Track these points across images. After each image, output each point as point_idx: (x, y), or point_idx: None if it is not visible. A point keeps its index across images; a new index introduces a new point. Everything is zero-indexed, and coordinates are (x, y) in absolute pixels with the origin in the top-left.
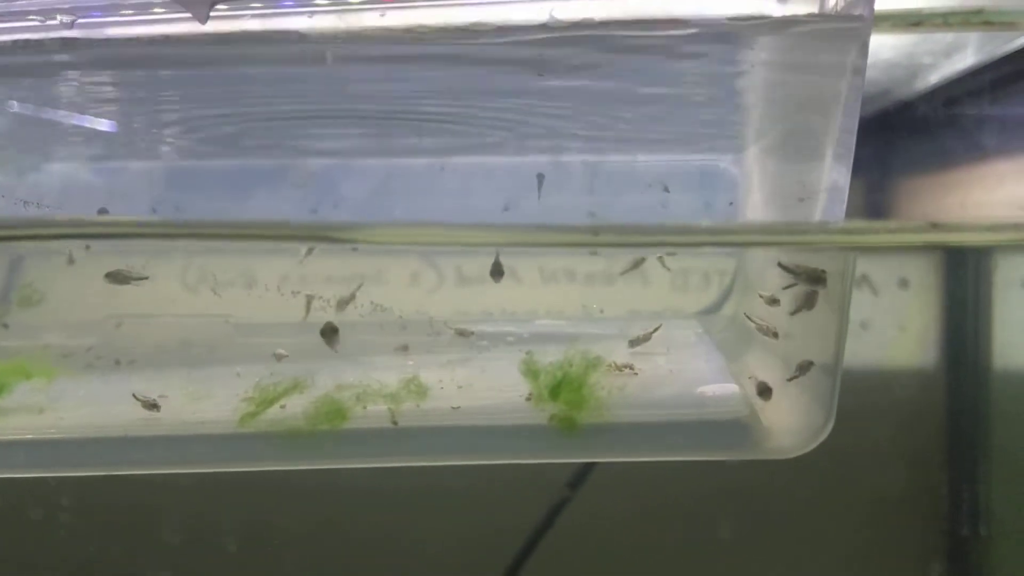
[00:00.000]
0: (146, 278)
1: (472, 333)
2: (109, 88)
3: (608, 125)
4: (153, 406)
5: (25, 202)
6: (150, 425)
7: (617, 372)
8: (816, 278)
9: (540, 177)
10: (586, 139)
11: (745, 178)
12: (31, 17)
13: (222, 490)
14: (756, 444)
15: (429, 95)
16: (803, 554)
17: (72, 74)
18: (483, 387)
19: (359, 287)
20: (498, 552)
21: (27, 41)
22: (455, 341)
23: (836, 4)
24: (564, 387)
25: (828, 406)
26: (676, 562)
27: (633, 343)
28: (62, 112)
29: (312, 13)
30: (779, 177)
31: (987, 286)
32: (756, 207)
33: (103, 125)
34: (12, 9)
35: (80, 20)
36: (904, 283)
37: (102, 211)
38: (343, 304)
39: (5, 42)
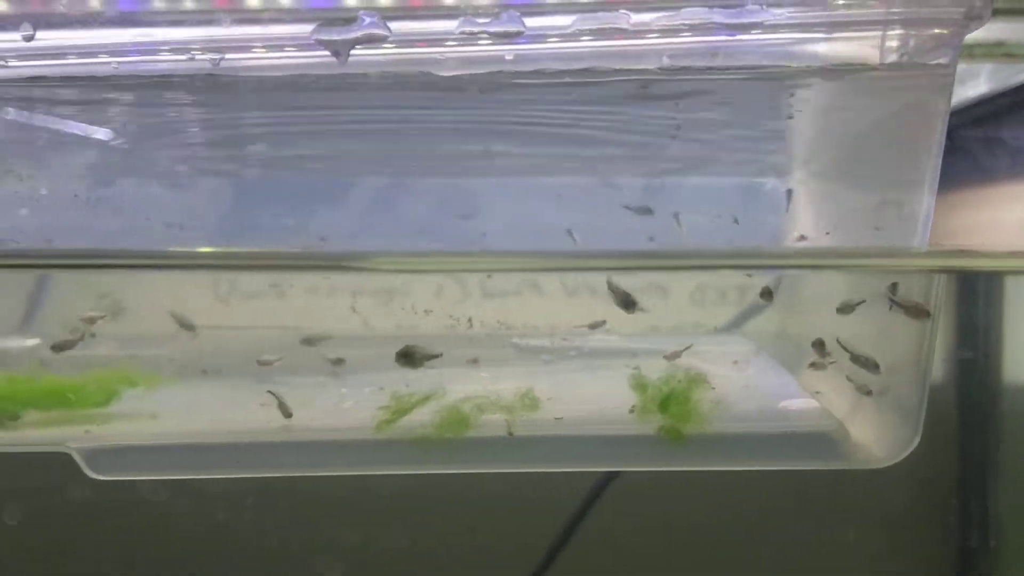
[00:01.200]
0: None
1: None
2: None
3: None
4: (289, 414)
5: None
6: (279, 431)
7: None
8: (920, 311)
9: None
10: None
11: (799, 202)
12: (163, 51)
13: (253, 498)
14: (848, 455)
15: (527, 123)
16: (812, 565)
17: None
18: (581, 399)
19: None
20: (519, 562)
21: (169, 78)
22: (520, 355)
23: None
24: (672, 401)
25: (915, 420)
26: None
27: (668, 358)
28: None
29: (443, 54)
30: (843, 204)
31: (998, 304)
32: (810, 229)
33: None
34: (150, 45)
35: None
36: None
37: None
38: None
39: (143, 73)
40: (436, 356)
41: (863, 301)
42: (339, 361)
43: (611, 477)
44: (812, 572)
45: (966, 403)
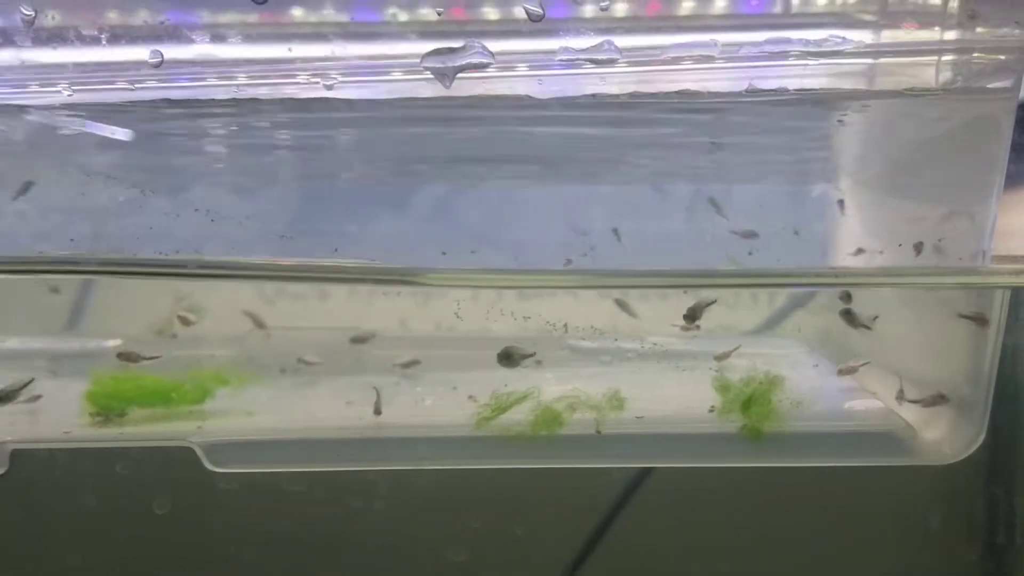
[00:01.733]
0: None
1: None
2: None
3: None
4: (378, 412)
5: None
6: (372, 427)
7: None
8: (983, 320)
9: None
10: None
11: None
12: (298, 75)
13: (295, 495)
14: (916, 452)
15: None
16: (836, 560)
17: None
18: (660, 399)
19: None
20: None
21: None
22: (575, 356)
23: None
24: (754, 401)
25: (980, 420)
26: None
27: (719, 358)
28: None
29: (542, 79)
30: (903, 217)
31: None
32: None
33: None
34: (281, 68)
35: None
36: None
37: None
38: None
39: (275, 98)
40: (530, 355)
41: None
42: (412, 363)
43: (644, 475)
44: (837, 568)
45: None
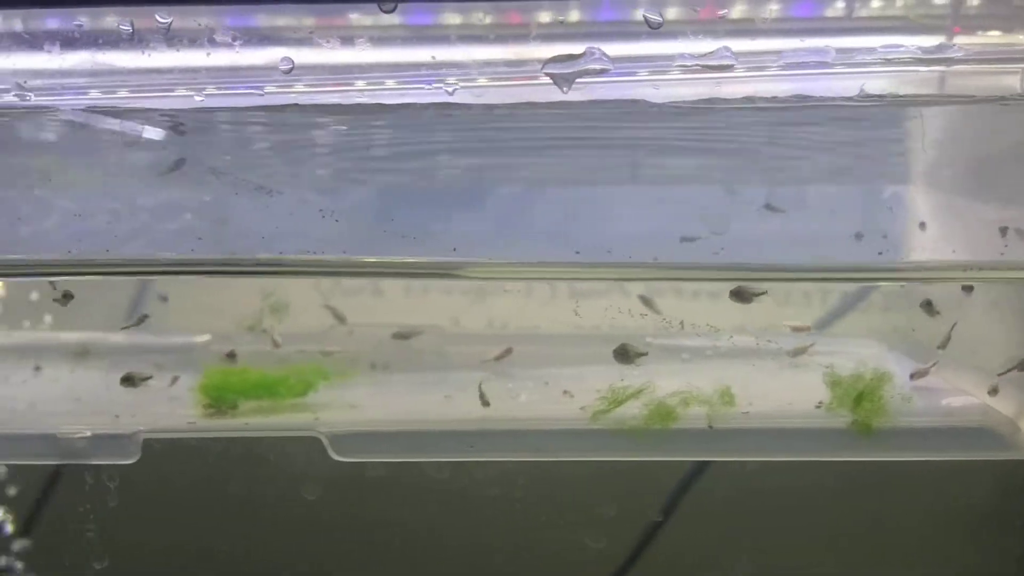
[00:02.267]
0: None
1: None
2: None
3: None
4: (487, 404)
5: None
6: (479, 420)
7: None
8: None
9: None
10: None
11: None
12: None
13: (358, 488)
14: (1018, 446)
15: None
16: (876, 559)
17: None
18: (766, 395)
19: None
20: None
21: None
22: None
23: None
24: (865, 397)
25: None
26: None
27: (793, 355)
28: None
29: (657, 84)
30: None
31: None
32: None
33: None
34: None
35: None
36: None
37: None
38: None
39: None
40: (644, 354)
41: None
42: (505, 354)
43: (699, 470)
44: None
45: None
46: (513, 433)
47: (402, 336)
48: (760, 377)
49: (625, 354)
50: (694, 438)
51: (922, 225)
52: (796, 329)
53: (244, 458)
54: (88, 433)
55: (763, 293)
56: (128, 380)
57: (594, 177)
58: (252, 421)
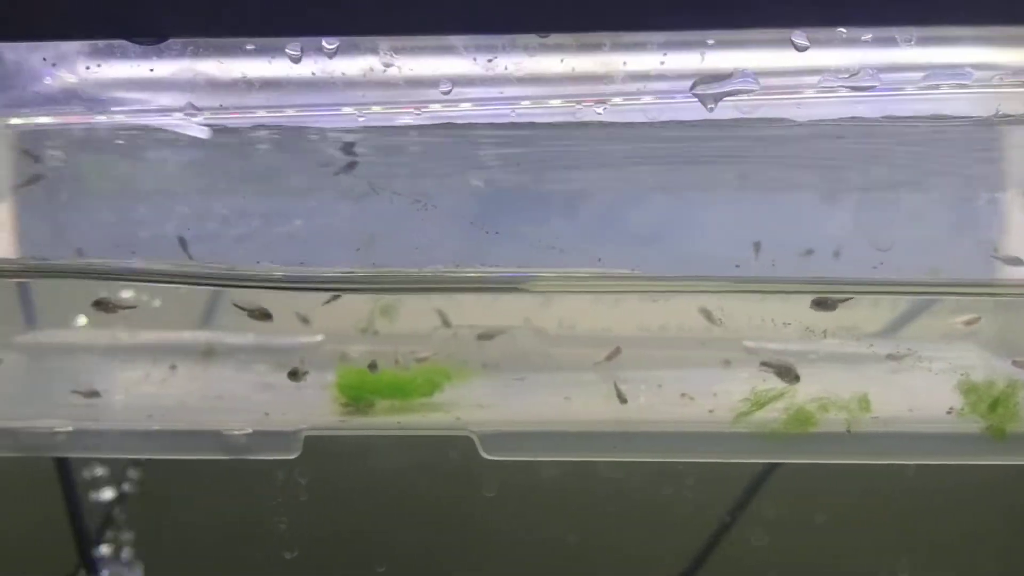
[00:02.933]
0: None
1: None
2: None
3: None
4: (624, 400)
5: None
6: (614, 421)
7: None
8: None
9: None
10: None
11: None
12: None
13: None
14: None
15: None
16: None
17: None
18: (897, 400)
19: None
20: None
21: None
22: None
23: None
24: (1000, 403)
25: None
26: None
27: (892, 358)
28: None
29: (800, 102)
30: None
31: None
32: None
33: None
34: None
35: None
36: None
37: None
38: None
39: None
40: (790, 367)
41: None
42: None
43: (770, 470)
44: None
45: None
46: (649, 435)
47: (507, 337)
48: (879, 382)
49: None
50: (832, 441)
51: None
52: (968, 323)
53: (395, 454)
54: (250, 430)
55: (847, 299)
56: (293, 375)
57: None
58: (404, 420)
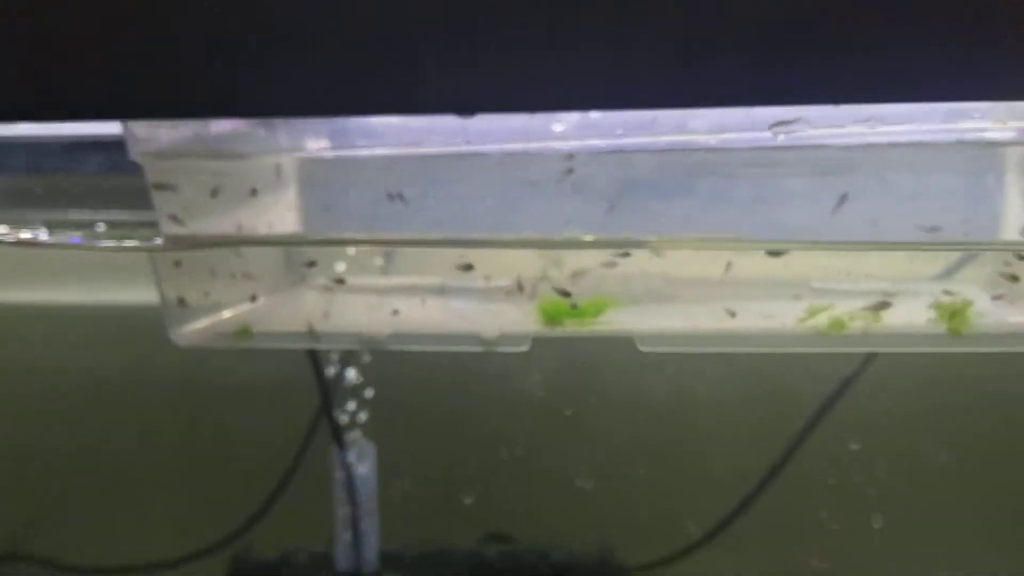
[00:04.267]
0: None
1: None
2: None
3: None
4: (732, 315)
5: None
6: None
7: None
8: None
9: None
10: None
11: None
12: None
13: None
14: None
15: None
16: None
17: None
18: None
19: None
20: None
21: None
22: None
23: None
24: (956, 313)
25: None
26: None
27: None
28: None
29: None
30: None
31: None
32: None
33: None
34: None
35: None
36: None
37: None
38: None
39: None
40: None
41: None
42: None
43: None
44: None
45: None
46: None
47: (644, 279)
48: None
49: None
50: (852, 340)
51: None
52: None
53: (574, 354)
54: (497, 333)
55: None
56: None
57: None
58: (582, 329)
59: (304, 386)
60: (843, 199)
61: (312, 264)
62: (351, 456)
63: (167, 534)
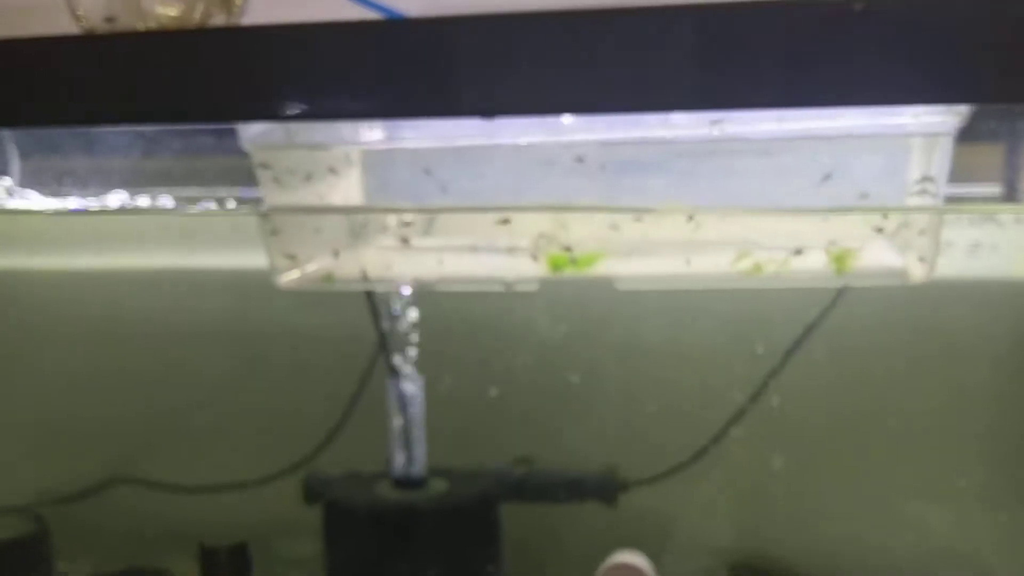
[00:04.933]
0: None
1: None
2: None
3: None
4: (688, 263)
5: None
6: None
7: None
8: None
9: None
10: None
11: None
12: None
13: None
14: None
15: None
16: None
17: None
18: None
19: None
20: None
21: None
22: None
23: None
24: (841, 258)
25: None
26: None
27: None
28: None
29: None
30: None
31: None
32: None
33: None
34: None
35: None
36: None
37: None
38: None
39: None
40: None
41: None
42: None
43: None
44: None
45: None
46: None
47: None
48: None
49: None
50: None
51: None
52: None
53: (571, 293)
54: (514, 277)
55: None
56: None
57: None
58: (579, 274)
59: (365, 335)
60: (781, 176)
61: (377, 228)
62: (403, 380)
63: (253, 457)
